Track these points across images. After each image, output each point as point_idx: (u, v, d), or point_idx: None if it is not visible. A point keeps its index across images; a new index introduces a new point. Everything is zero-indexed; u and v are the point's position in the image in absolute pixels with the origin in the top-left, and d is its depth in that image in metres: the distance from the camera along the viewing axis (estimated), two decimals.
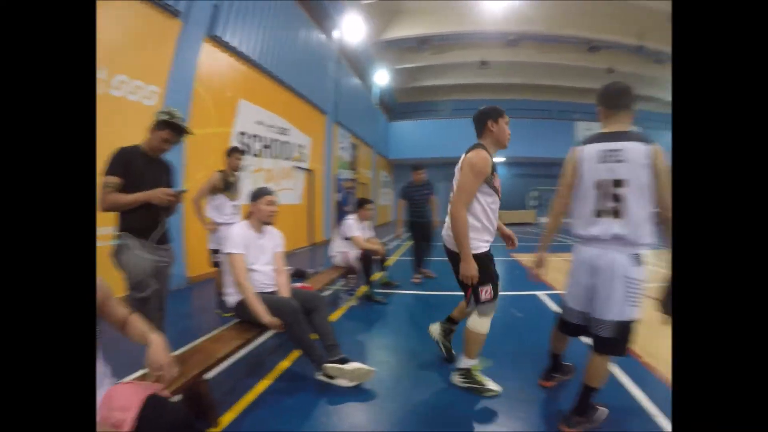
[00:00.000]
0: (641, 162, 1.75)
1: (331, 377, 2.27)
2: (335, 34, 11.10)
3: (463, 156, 2.23)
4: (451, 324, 2.72)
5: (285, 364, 2.61)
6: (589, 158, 1.91)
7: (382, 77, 16.10)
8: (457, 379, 2.35)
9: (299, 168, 9.05)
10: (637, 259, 1.80)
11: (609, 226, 1.81)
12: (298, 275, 4.00)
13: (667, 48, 15.58)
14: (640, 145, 1.78)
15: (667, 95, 21.72)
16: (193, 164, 5.18)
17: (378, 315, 3.89)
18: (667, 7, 12.80)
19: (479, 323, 2.21)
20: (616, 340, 1.82)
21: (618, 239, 1.80)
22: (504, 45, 15.10)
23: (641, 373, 2.47)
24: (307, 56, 9.18)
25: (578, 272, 1.96)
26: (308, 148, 9.50)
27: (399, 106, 21.18)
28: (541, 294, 4.48)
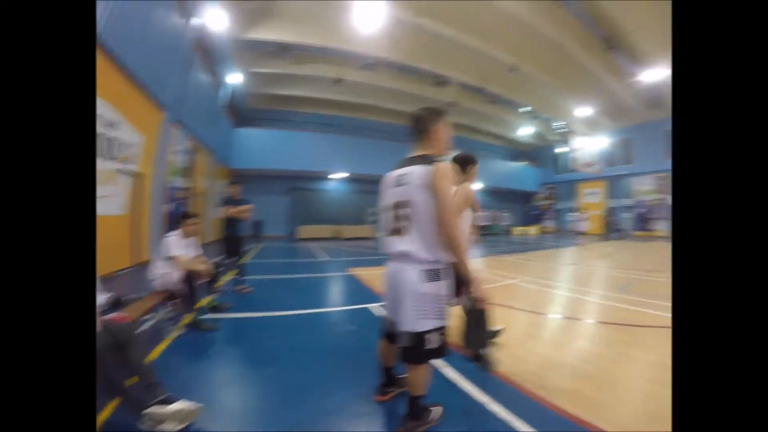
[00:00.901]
0: (420, 183, 1.89)
1: (156, 422, 2.07)
2: (195, 20, 9.97)
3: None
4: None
5: (104, 415, 2.23)
6: (387, 183, 2.12)
7: (235, 78, 15.15)
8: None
9: (125, 171, 7.77)
10: (429, 275, 1.91)
11: (397, 244, 1.97)
12: (114, 304, 3.54)
13: (503, 92, 18.81)
14: (421, 168, 1.92)
15: (501, 130, 26.12)
16: None
17: (207, 344, 3.67)
18: (508, 59, 15.52)
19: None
20: (412, 349, 1.92)
21: (405, 256, 1.93)
22: (361, 66, 16.22)
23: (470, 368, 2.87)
24: (157, 38, 7.97)
25: (385, 286, 2.13)
26: (139, 148, 8.22)
27: (247, 111, 20.32)
28: (372, 306, 4.85)
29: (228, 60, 14.18)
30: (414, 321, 1.90)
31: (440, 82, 17.69)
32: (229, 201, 5.54)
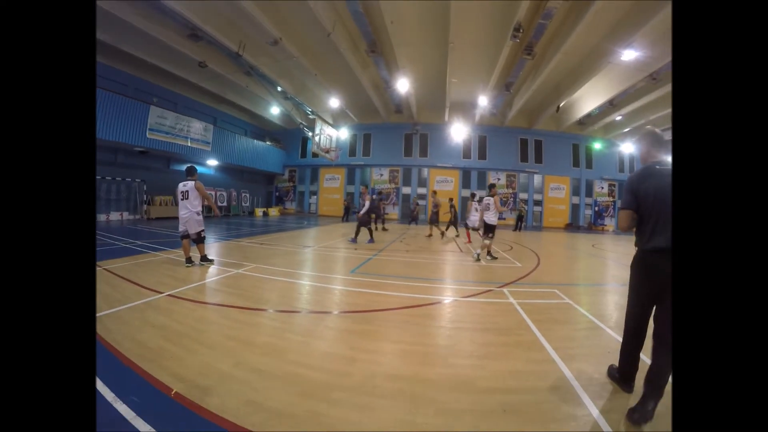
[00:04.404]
0: None
1: None
2: None
3: None
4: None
5: None
6: None
7: None
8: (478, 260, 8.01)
9: None
10: None
11: None
12: None
13: (260, 66, 17.13)
14: None
15: (249, 105, 24.31)
16: None
17: None
18: (273, 31, 14.13)
19: (489, 242, 8.28)
20: None
21: None
22: None
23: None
24: None
25: None
26: None
27: None
28: None
29: None
30: None
31: (194, 35, 14.72)
32: None
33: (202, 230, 6.60)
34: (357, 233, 10.97)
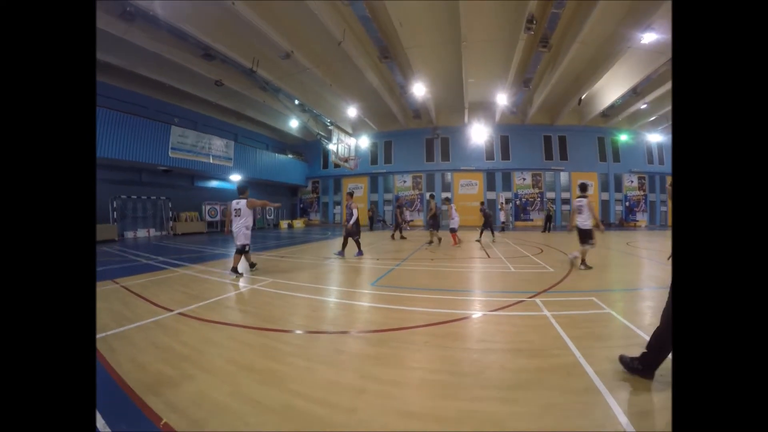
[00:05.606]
0: None
1: None
2: None
3: None
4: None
5: None
6: None
7: None
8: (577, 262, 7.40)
9: None
10: None
11: None
12: None
13: (274, 80, 17.26)
14: None
15: (268, 120, 24.63)
16: None
17: None
18: (284, 44, 14.25)
19: (585, 249, 7.30)
20: None
21: None
22: (118, 15, 12.01)
23: None
24: None
25: None
26: None
27: None
28: None
29: None
30: None
31: (207, 54, 14.93)
32: None
33: (247, 244, 6.94)
34: (344, 245, 9.84)
